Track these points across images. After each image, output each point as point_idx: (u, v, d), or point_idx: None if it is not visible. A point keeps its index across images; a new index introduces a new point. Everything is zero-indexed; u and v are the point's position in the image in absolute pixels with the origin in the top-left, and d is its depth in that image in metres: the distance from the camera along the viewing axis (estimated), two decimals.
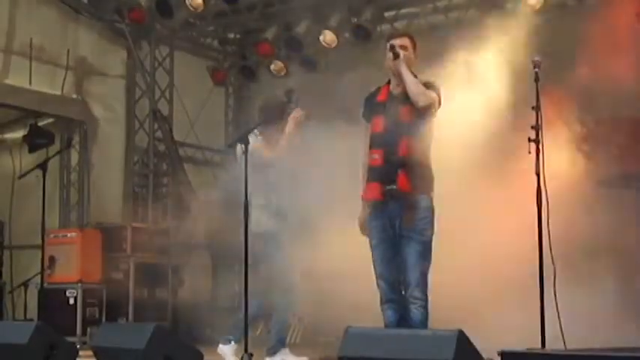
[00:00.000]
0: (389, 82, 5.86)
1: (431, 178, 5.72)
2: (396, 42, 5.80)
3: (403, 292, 5.67)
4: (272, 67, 11.46)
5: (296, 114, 7.25)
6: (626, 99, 8.12)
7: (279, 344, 7.14)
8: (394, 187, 5.58)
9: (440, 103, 5.75)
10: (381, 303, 5.73)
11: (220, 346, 7.14)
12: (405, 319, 5.61)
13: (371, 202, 5.77)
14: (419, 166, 5.65)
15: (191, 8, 10.61)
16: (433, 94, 5.67)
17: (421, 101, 5.59)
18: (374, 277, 5.81)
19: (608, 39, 7.98)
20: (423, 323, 5.55)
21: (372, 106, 5.87)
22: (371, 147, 5.77)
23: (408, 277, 5.60)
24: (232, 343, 7.04)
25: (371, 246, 5.78)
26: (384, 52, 5.88)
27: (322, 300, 9.11)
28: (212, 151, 12.48)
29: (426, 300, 5.58)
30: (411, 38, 5.88)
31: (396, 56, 5.62)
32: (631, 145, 7.98)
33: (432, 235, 5.67)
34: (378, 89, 5.90)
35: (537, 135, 5.52)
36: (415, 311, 5.56)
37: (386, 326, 5.66)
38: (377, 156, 5.68)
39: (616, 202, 7.80)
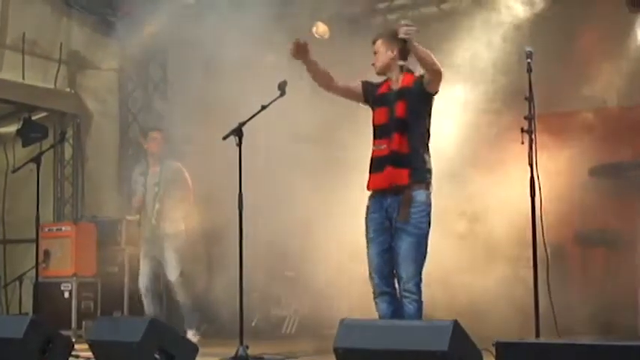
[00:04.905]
0: (387, 80, 5.87)
1: (429, 170, 5.70)
2: (373, 49, 5.85)
3: (397, 286, 5.65)
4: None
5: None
6: (615, 88, 8.16)
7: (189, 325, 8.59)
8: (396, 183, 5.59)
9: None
10: (375, 296, 5.70)
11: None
12: (399, 312, 5.59)
13: (372, 193, 5.75)
14: (418, 158, 5.65)
15: None
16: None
17: (436, 65, 5.51)
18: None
19: (598, 28, 8.02)
20: (417, 317, 5.48)
21: (375, 97, 5.86)
22: (377, 137, 5.77)
23: (401, 270, 5.55)
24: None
25: (367, 238, 5.75)
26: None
27: (318, 292, 9.15)
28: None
29: (419, 294, 5.53)
30: (378, 39, 5.85)
31: (404, 42, 5.49)
32: (620, 134, 8.03)
33: (429, 228, 5.62)
34: (379, 83, 5.90)
35: (530, 125, 5.53)
36: (409, 305, 5.50)
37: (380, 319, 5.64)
38: (384, 146, 5.67)
39: (607, 192, 7.84)
